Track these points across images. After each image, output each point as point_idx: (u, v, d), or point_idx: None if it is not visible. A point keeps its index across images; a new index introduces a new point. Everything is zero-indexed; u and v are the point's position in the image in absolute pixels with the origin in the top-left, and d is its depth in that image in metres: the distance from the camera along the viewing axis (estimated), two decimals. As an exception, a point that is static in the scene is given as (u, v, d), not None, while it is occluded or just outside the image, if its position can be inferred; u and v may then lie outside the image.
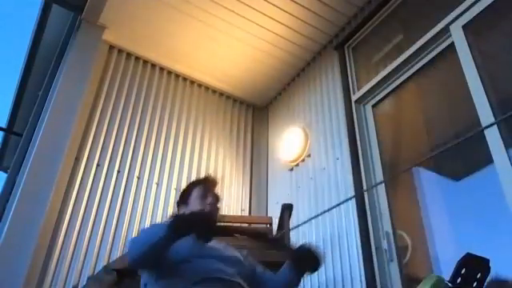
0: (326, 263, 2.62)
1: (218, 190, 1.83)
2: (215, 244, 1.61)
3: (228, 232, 1.53)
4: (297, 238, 2.91)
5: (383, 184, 2.57)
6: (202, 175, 1.99)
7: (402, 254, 2.33)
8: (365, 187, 2.58)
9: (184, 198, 1.80)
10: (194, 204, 1.72)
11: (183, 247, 1.43)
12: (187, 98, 3.75)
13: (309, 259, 1.56)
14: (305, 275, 1.61)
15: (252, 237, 1.75)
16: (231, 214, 3.39)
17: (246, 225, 3.05)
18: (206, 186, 1.81)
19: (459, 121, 2.62)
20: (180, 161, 3.39)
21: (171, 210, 3.09)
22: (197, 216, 1.34)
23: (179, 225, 1.29)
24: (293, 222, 2.76)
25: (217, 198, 1.79)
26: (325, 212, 2.53)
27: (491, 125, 1.92)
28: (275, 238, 1.55)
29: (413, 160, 2.85)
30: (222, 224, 1.39)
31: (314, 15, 3.27)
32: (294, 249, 1.58)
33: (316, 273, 1.60)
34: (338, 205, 2.52)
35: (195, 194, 1.76)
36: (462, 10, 2.33)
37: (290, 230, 2.42)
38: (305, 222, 2.77)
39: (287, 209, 2.45)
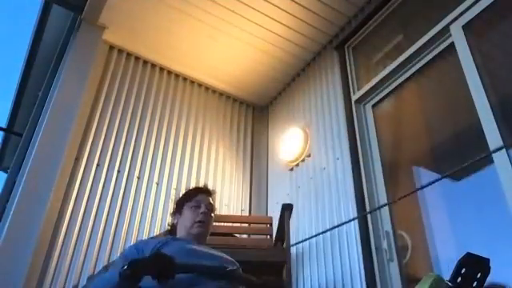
0: (326, 263, 2.63)
1: (212, 199, 1.84)
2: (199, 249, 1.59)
3: (192, 270, 1.43)
4: (297, 240, 2.91)
5: (383, 184, 2.57)
6: (195, 185, 1.99)
7: (402, 254, 2.33)
8: (365, 187, 2.58)
9: (178, 208, 1.82)
10: (187, 214, 1.75)
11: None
12: (187, 98, 3.75)
13: None
14: None
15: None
16: (231, 213, 3.40)
17: (246, 225, 3.05)
18: (199, 195, 1.82)
19: (459, 121, 2.62)
20: (180, 161, 3.39)
21: (171, 207, 3.09)
22: (150, 260, 1.25)
23: (132, 273, 1.21)
24: (293, 222, 2.76)
25: (210, 208, 1.80)
26: (332, 228, 2.52)
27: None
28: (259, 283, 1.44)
29: (413, 160, 2.85)
30: (184, 263, 1.31)
31: (314, 15, 3.27)
32: None
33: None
34: (345, 223, 2.49)
35: (188, 204, 1.79)
36: (462, 9, 2.33)
37: (289, 230, 2.42)
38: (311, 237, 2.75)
39: (287, 209, 2.45)
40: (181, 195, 1.90)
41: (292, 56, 3.63)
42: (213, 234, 2.46)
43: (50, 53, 3.46)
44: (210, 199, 1.83)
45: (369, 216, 2.46)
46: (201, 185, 2.00)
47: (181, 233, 1.75)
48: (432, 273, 0.81)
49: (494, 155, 1.92)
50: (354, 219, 2.51)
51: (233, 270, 1.51)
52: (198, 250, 1.61)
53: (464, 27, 2.31)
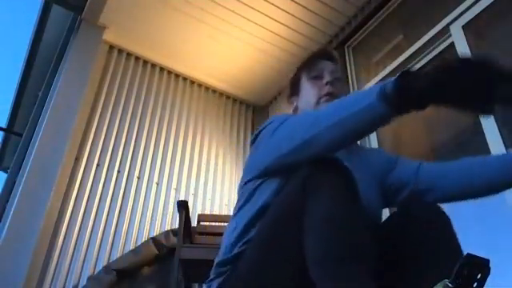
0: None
1: (337, 67, 1.31)
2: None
3: None
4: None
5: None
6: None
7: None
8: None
9: (294, 85, 1.34)
10: (308, 88, 1.26)
11: None
12: (187, 98, 3.75)
13: None
14: None
15: None
16: (231, 214, 3.39)
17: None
18: (320, 63, 1.29)
19: (459, 121, 2.62)
20: (180, 161, 3.39)
21: (171, 209, 3.09)
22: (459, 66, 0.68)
23: (416, 91, 0.69)
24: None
25: (338, 77, 1.27)
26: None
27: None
28: None
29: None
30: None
31: (313, 15, 3.27)
32: None
33: None
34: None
35: (307, 75, 1.29)
36: (462, 9, 2.33)
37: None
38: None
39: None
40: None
41: (292, 56, 3.63)
42: (213, 234, 2.47)
43: (50, 53, 3.46)
44: (336, 67, 1.30)
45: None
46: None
47: None
48: (444, 280, 0.81)
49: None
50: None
51: None
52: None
53: (464, 27, 2.31)
